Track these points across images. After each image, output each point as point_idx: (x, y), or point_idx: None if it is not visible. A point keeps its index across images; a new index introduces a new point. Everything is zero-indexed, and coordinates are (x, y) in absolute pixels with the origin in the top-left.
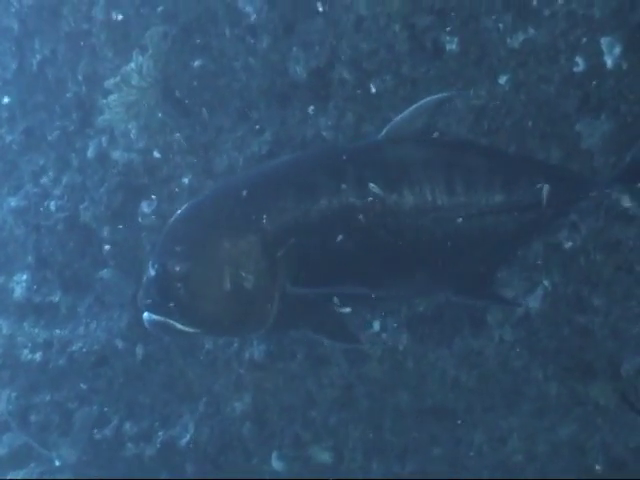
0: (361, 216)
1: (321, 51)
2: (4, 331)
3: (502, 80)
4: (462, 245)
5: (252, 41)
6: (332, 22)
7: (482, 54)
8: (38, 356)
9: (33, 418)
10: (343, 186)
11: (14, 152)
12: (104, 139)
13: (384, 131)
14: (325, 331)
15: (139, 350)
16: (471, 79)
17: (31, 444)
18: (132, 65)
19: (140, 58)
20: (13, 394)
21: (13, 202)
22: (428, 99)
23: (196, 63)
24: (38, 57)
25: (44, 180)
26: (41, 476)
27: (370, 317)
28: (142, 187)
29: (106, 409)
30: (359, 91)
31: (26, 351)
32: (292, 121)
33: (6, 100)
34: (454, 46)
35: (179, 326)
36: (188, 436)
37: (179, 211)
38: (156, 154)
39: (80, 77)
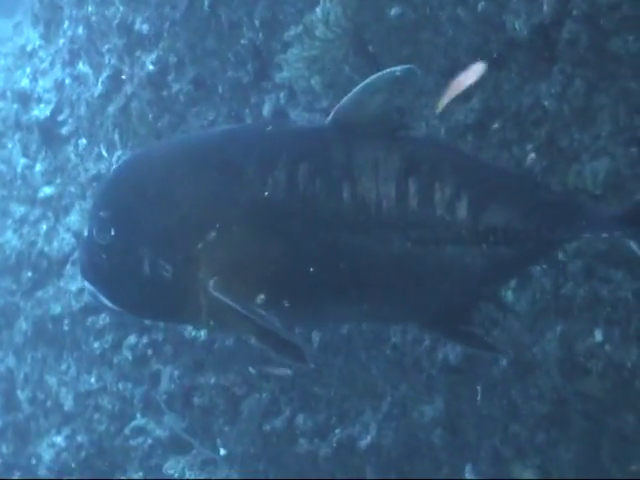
0: (290, 220)
1: (547, 4)
2: None
3: None
4: (414, 275)
5: None
6: None
7: None
8: (203, 333)
9: (196, 401)
10: (271, 179)
11: (181, 103)
12: (282, 95)
13: (331, 115)
14: (270, 342)
15: (315, 337)
16: None
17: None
18: (317, 12)
19: (327, 4)
20: (176, 372)
21: None
22: (381, 73)
23: (393, 11)
24: None
25: None
26: (203, 467)
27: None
28: None
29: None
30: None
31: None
32: (507, 87)
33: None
34: None
35: (104, 300)
36: (369, 437)
37: (115, 166)
38: None
39: (257, 22)
